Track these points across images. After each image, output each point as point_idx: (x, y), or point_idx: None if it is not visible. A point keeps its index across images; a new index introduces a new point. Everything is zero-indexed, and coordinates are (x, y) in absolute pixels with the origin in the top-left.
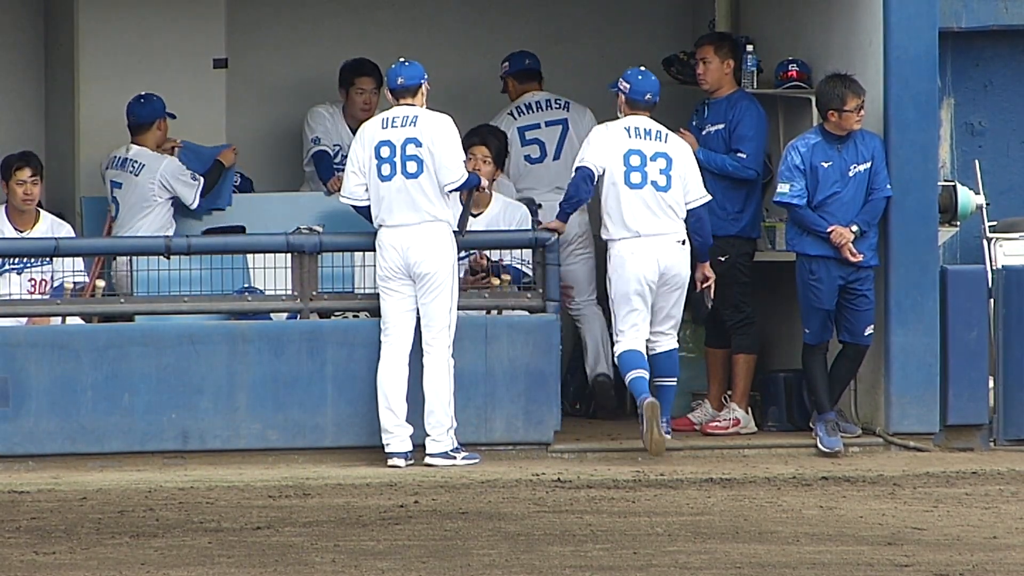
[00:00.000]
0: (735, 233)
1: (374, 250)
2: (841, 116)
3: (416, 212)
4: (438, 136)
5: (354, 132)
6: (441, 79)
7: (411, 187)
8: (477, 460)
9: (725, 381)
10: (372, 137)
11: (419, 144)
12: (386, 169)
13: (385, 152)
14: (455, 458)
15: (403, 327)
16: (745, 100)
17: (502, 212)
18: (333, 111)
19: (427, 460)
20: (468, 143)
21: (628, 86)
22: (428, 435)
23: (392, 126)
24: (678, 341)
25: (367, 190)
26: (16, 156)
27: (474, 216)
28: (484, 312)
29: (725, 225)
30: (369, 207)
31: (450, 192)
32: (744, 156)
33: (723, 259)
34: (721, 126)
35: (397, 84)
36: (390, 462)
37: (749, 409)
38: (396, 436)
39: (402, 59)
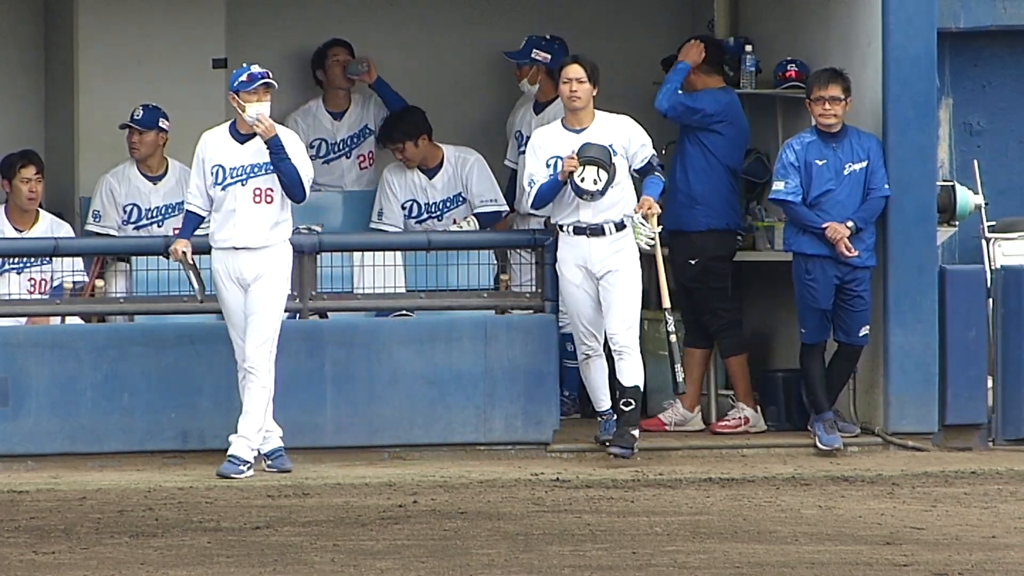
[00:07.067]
0: (705, 228)
1: (374, 250)
2: (811, 104)
3: None
4: None
5: (335, 116)
6: (440, 78)
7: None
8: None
9: (701, 381)
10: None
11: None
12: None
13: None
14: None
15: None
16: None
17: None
18: (307, 109)
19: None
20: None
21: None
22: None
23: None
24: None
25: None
26: (18, 155)
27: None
28: (484, 312)
29: (694, 217)
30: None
31: None
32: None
33: (693, 263)
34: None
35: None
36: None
37: (758, 407)
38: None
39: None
